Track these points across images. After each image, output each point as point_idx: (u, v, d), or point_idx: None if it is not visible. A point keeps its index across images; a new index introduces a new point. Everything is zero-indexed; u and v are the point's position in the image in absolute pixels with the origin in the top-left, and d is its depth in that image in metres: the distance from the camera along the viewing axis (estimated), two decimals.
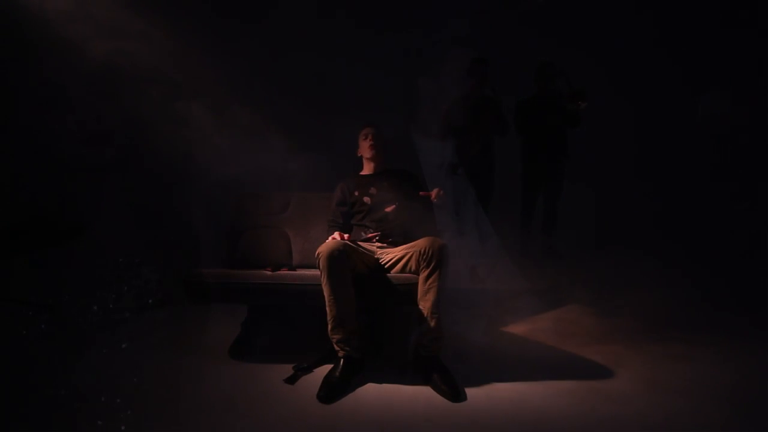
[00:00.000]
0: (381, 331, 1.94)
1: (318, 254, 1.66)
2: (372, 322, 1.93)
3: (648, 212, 4.62)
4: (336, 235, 1.89)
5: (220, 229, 2.37)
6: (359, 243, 1.97)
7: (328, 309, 1.67)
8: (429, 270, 1.67)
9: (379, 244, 2.02)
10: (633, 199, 4.54)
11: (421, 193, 2.02)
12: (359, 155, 2.29)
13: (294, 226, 2.36)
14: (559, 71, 3.45)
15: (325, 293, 1.66)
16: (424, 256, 1.68)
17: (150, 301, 2.55)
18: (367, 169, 2.27)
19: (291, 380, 1.68)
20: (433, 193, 1.99)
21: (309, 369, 1.77)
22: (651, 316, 2.36)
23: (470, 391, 1.61)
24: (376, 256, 1.93)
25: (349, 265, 1.69)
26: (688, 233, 4.28)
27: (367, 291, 1.77)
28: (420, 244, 1.74)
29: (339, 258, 1.64)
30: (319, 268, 1.66)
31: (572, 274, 3.32)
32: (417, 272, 1.74)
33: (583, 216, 4.40)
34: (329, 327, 1.68)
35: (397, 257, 1.85)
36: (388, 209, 2.11)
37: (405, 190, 2.15)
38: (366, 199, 2.15)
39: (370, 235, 2.07)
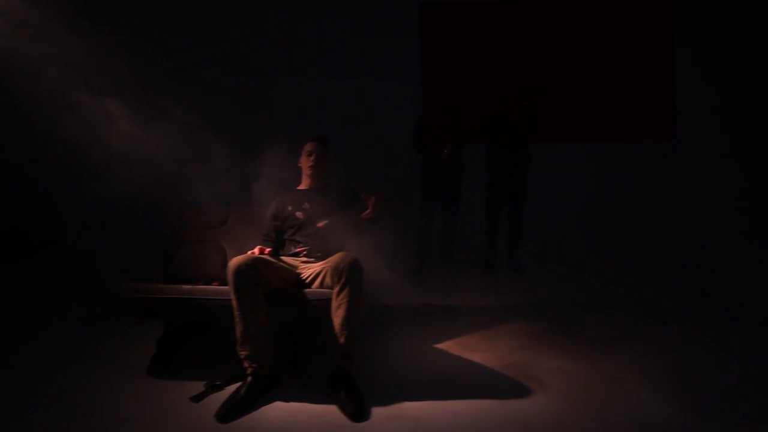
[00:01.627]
0: (300, 347, 1.91)
1: (227, 269, 1.65)
2: (290, 338, 1.90)
3: (612, 226, 4.56)
4: (256, 249, 1.87)
5: (160, 241, 2.36)
6: (282, 258, 1.95)
7: (235, 324, 1.64)
8: (340, 286, 1.65)
9: (305, 259, 2.00)
10: (599, 213, 4.51)
11: (362, 195, 1.99)
12: (299, 166, 2.29)
13: (231, 240, 2.34)
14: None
15: (233, 308, 1.64)
16: (336, 272, 1.67)
17: (86, 314, 2.53)
18: (305, 184, 2.27)
19: (197, 398, 1.65)
20: (371, 204, 1.94)
21: (221, 387, 1.73)
22: (597, 334, 2.30)
23: (376, 411, 1.57)
24: (297, 271, 1.91)
25: (260, 280, 1.67)
26: (662, 247, 4.23)
27: (283, 306, 1.75)
28: (333, 259, 1.72)
29: (246, 272, 1.62)
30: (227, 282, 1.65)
31: (533, 289, 3.28)
32: (332, 287, 1.72)
33: (548, 230, 4.37)
34: (237, 343, 1.66)
35: (315, 272, 1.84)
36: (320, 225, 2.10)
37: (340, 206, 2.14)
38: (298, 213, 2.14)
39: (297, 249, 2.06)
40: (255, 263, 1.66)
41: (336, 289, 1.67)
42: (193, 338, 2.10)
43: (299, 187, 2.28)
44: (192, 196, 2.27)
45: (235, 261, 1.65)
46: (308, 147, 2.25)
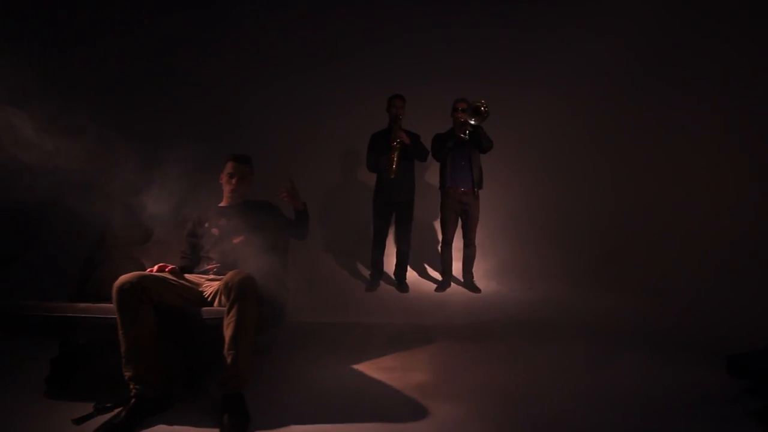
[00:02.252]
0: (198, 367, 1.86)
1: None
2: (187, 357, 1.85)
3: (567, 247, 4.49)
4: (155, 267, 1.85)
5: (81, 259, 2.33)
6: (186, 275, 1.92)
7: (120, 344, 1.60)
8: (229, 304, 1.62)
9: (213, 276, 1.97)
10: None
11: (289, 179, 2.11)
12: (220, 182, 2.27)
13: (152, 258, 2.32)
14: (470, 106, 3.49)
15: (117, 327, 1.60)
16: (226, 289, 1.63)
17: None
18: (225, 201, 2.26)
19: (79, 420, 1.59)
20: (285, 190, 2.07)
21: (110, 408, 1.67)
22: (522, 354, 2.25)
23: None
24: (200, 289, 1.88)
25: (147, 298, 1.63)
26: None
27: (176, 325, 1.72)
28: (226, 276, 1.69)
29: (130, 290, 1.59)
30: None
31: (479, 309, 3.23)
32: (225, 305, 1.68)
33: (507, 248, 4.34)
34: (122, 363, 1.61)
35: (214, 290, 1.80)
36: (236, 240, 2.08)
37: (259, 223, 2.12)
38: (214, 230, 2.13)
39: (209, 267, 2.03)
40: (141, 281, 1.63)
41: (226, 308, 1.63)
42: (97, 358, 2.04)
43: (220, 204, 2.26)
44: (113, 212, 2.25)
45: (120, 279, 1.62)
46: (229, 168, 2.22)
